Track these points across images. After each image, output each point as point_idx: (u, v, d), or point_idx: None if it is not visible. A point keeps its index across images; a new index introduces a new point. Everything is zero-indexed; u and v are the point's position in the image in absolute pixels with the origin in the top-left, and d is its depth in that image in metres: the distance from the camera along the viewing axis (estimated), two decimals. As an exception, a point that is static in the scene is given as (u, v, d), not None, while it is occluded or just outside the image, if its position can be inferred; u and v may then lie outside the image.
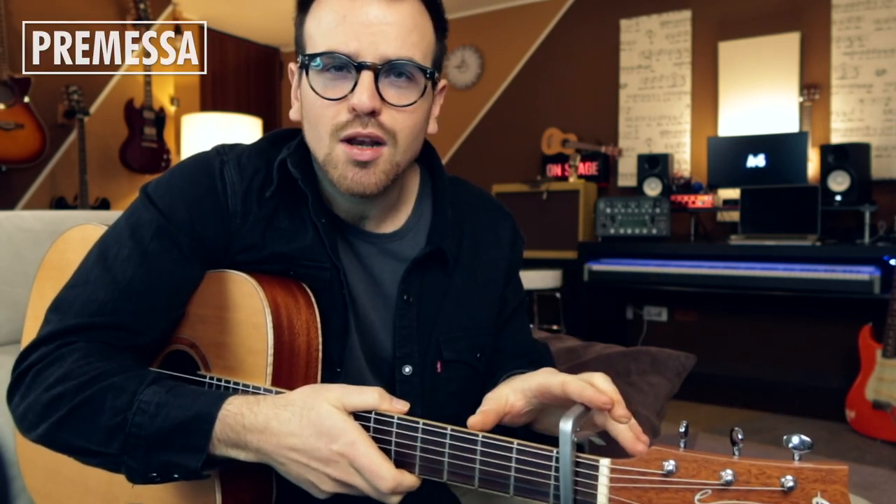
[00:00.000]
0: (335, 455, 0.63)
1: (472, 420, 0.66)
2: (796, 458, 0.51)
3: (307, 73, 0.77)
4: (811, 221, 3.23)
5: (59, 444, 0.73)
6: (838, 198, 3.24)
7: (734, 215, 3.59)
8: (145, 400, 0.68)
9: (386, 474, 0.62)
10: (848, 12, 3.51)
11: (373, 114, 0.74)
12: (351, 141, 0.75)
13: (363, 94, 0.72)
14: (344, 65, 0.74)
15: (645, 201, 3.62)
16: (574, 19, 4.39)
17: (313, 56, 0.75)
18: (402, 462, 0.65)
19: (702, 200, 3.67)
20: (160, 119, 4.10)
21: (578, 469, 0.57)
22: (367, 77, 0.73)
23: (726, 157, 3.65)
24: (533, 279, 3.53)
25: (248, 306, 0.77)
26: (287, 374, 0.76)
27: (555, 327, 3.90)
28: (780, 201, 3.36)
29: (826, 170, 3.29)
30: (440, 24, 0.81)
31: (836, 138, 3.54)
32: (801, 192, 3.32)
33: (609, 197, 3.82)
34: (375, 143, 0.75)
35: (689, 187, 3.80)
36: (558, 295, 3.82)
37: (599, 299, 3.86)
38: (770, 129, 3.63)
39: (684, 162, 4.00)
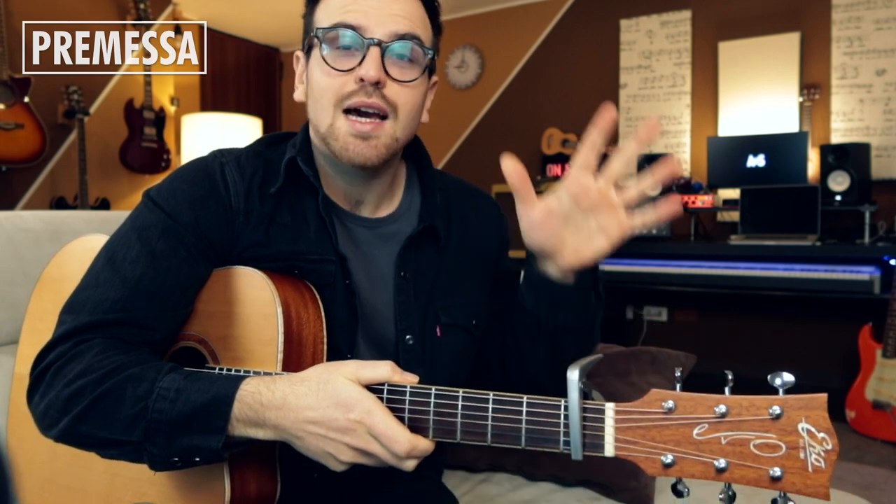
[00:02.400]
0: (353, 423, 0.65)
1: (507, 160, 0.71)
2: (781, 392, 0.56)
3: (320, 47, 0.81)
4: (811, 221, 3.23)
5: (80, 437, 0.74)
6: (838, 198, 3.24)
7: (734, 215, 3.59)
8: (164, 386, 0.70)
9: (402, 438, 0.65)
10: (848, 12, 3.51)
11: (377, 85, 0.78)
12: (353, 113, 0.80)
13: (370, 66, 0.78)
14: (353, 41, 0.79)
15: (645, 201, 3.62)
16: (574, 19, 4.39)
17: (325, 29, 0.80)
18: (416, 427, 0.68)
19: (702, 200, 3.67)
20: (160, 119, 4.10)
21: (586, 415, 0.60)
22: (374, 52, 0.78)
23: (726, 157, 3.65)
24: (533, 279, 3.52)
25: (257, 299, 0.78)
26: (295, 364, 0.78)
27: (555, 327, 3.90)
28: (780, 201, 3.36)
29: (826, 170, 3.29)
30: (436, 23, 0.87)
31: (836, 138, 3.54)
32: (801, 192, 3.31)
33: (609, 197, 3.81)
34: (378, 115, 0.80)
35: (689, 187, 3.79)
36: (558, 295, 3.81)
37: (599, 299, 3.85)
38: (770, 129, 3.63)
39: (684, 162, 4.00)
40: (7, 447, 1.00)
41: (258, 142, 0.92)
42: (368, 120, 0.79)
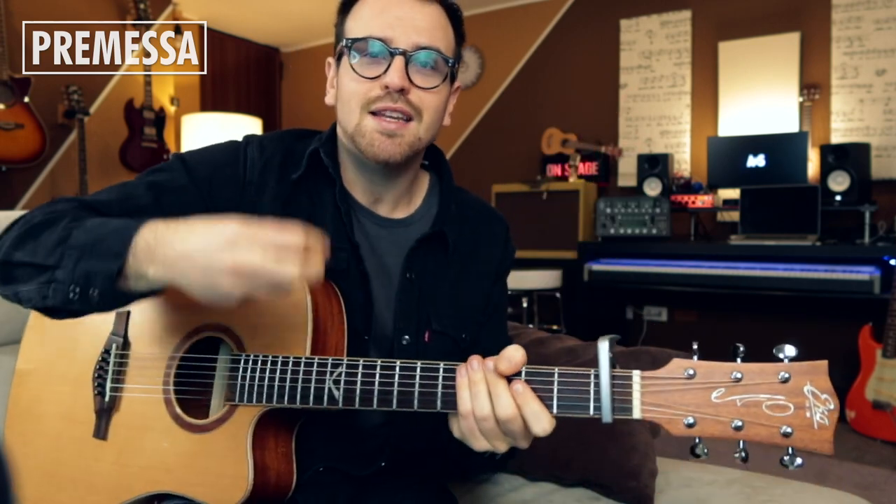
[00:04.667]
0: (234, 236, 0.64)
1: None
2: (786, 361, 0.64)
3: (349, 55, 0.87)
4: (811, 221, 3.23)
5: (8, 267, 0.76)
6: (838, 198, 3.24)
7: (734, 215, 3.59)
8: (92, 221, 0.75)
9: (292, 229, 0.65)
10: (848, 12, 3.51)
11: (402, 91, 0.84)
12: (379, 113, 0.85)
13: (395, 75, 0.83)
14: (379, 51, 0.85)
15: (645, 201, 3.62)
16: (574, 19, 4.39)
17: (354, 40, 0.86)
18: (449, 402, 0.72)
19: (702, 200, 3.67)
20: (160, 119, 4.10)
21: (615, 381, 0.66)
22: (399, 61, 0.84)
23: (726, 157, 3.65)
24: (533, 279, 3.52)
25: None
26: (321, 349, 0.82)
27: (555, 327, 3.90)
28: (780, 201, 3.36)
29: (826, 170, 3.29)
30: (459, 32, 0.94)
31: (836, 138, 3.54)
32: (801, 192, 3.32)
33: (609, 197, 3.82)
34: (403, 117, 0.86)
35: (689, 187, 3.80)
36: (558, 295, 3.82)
37: (599, 299, 3.86)
38: (770, 129, 3.63)
39: (684, 162, 4.00)
40: (4, 444, 1.00)
41: (287, 132, 0.98)
42: (394, 119, 0.85)
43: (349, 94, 0.87)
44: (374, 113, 0.85)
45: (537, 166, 4.40)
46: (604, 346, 0.66)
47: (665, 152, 3.90)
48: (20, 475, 0.97)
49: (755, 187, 3.46)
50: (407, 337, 0.92)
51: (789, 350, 0.64)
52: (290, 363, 0.79)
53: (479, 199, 1.08)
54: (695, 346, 0.66)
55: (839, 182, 3.25)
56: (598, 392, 0.66)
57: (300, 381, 0.77)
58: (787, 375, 0.63)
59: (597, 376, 0.66)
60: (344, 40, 0.89)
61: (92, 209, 0.82)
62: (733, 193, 3.63)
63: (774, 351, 0.64)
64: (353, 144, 0.88)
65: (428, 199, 1.00)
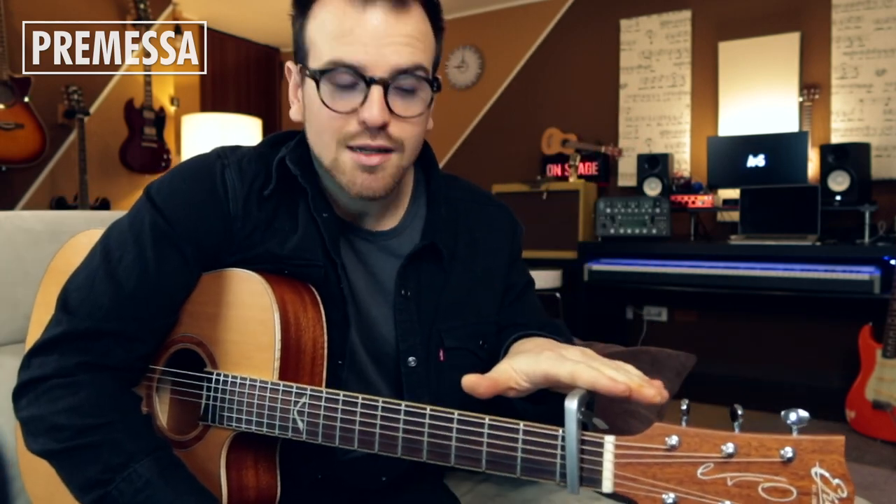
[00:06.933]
0: None
1: (468, 379, 0.64)
2: (794, 431, 0.52)
3: (317, 83, 0.76)
4: (811, 221, 3.23)
5: (48, 460, 0.76)
6: (838, 198, 3.24)
7: (734, 215, 3.59)
8: (138, 471, 0.70)
9: None
10: (848, 12, 3.51)
11: (382, 126, 0.75)
12: (357, 149, 0.76)
13: (374, 110, 0.73)
14: (353, 81, 0.74)
15: (645, 201, 3.62)
16: (574, 19, 4.39)
17: (322, 72, 0.75)
18: (410, 448, 0.66)
19: (702, 200, 3.67)
20: (160, 119, 4.10)
21: (584, 447, 0.58)
22: (377, 92, 0.73)
23: (726, 157, 3.65)
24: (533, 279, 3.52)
25: (256, 304, 0.78)
26: (294, 370, 0.77)
27: (555, 327, 3.90)
28: (780, 201, 3.36)
29: (826, 170, 3.29)
30: (438, 25, 0.82)
31: (836, 138, 3.54)
32: (801, 192, 3.32)
33: (609, 197, 3.82)
34: (383, 150, 0.77)
35: (689, 187, 3.80)
36: (558, 295, 3.81)
37: (599, 299, 3.85)
38: (770, 129, 3.63)
39: (684, 162, 4.00)
40: (17, 440, 1.00)
41: (263, 143, 0.90)
42: (374, 153, 0.76)
43: (321, 126, 0.77)
44: (351, 147, 0.76)
45: (537, 166, 4.40)
46: (571, 405, 0.57)
47: (665, 152, 3.90)
48: (33, 476, 0.97)
49: (755, 187, 3.46)
50: (413, 359, 0.85)
51: (801, 415, 0.52)
52: (258, 387, 0.75)
53: (469, 186, 0.99)
54: (683, 407, 0.56)
55: (839, 182, 3.24)
56: (563, 458, 0.58)
57: (266, 407, 0.74)
58: (791, 453, 0.51)
59: (563, 439, 0.58)
60: (301, 62, 0.78)
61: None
62: (733, 193, 3.63)
63: (782, 415, 0.53)
64: (331, 176, 0.80)
65: (414, 201, 0.92)
